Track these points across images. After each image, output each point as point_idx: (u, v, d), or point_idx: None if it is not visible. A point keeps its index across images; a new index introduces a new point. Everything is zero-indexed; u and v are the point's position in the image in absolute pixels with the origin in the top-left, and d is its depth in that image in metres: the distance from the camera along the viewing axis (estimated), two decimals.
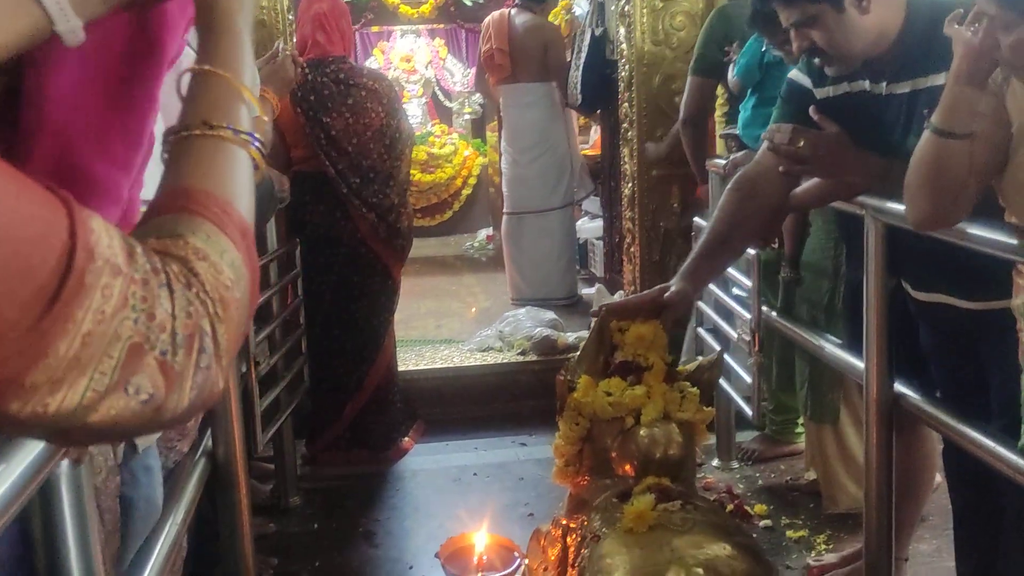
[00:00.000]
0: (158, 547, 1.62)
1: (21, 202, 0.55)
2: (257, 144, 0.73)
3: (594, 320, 1.94)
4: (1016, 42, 1.49)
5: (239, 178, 0.71)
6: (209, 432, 2.10)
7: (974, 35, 1.56)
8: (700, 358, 2.19)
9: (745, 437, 3.51)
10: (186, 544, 1.87)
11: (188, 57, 1.55)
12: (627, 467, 1.78)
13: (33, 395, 0.55)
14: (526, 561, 2.02)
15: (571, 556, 1.73)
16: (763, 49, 2.87)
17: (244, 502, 2.15)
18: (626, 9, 4.02)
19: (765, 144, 2.15)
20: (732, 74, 3.11)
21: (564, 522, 1.85)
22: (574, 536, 1.77)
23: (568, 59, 5.18)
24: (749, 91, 3.04)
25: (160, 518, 1.72)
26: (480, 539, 2.02)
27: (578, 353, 1.92)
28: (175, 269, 0.61)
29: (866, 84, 2.05)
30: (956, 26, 1.60)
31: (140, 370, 0.58)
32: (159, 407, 0.60)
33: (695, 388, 1.87)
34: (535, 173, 5.30)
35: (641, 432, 1.75)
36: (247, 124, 0.73)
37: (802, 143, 2.02)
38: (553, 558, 1.86)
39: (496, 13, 5.42)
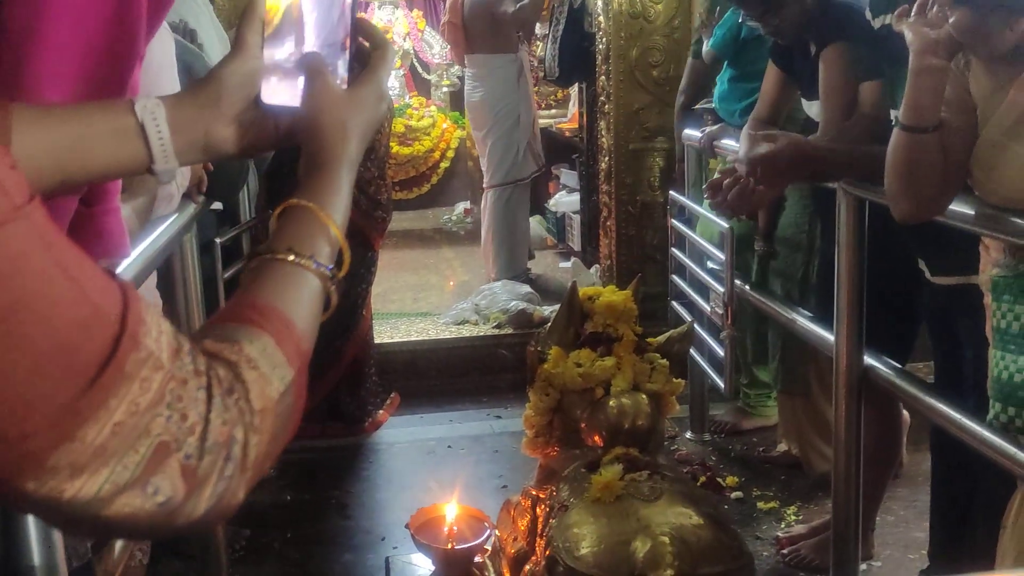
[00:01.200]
0: None
1: (80, 282, 0.55)
2: (332, 277, 0.75)
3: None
4: (957, 22, 1.50)
5: (308, 305, 0.72)
6: None
7: (924, 25, 1.56)
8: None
9: (718, 410, 3.53)
10: None
11: (169, 47, 1.53)
12: (596, 438, 1.79)
13: (52, 477, 0.54)
14: (496, 532, 2.03)
15: (540, 526, 1.74)
16: (740, 22, 2.86)
17: None
18: None
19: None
20: (707, 46, 3.09)
21: (534, 492, 1.86)
22: (543, 506, 1.78)
23: (531, 22, 5.13)
24: (725, 64, 3.03)
25: None
26: (450, 510, 2.02)
27: (549, 324, 1.92)
28: (221, 373, 0.61)
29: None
30: (908, 19, 1.60)
31: (162, 470, 0.57)
32: (174, 511, 0.58)
33: (665, 360, 1.87)
34: (485, 150, 5.20)
35: (610, 403, 1.76)
36: (328, 258, 0.75)
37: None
38: (523, 528, 1.87)
39: None
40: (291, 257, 0.72)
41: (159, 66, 1.60)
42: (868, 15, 2.19)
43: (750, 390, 3.43)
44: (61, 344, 0.53)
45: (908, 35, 1.61)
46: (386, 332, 4.28)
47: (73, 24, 0.83)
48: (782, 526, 2.81)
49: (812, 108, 2.50)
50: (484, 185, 5.25)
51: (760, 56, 2.76)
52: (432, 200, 7.91)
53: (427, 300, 5.18)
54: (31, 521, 1.00)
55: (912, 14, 1.59)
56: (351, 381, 3.60)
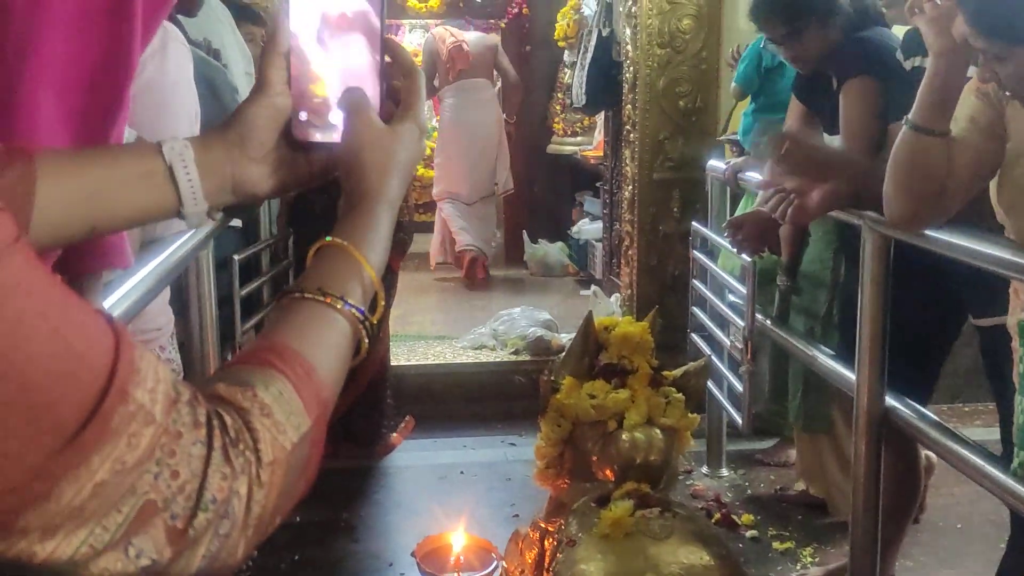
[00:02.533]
0: None
1: (62, 333, 0.50)
2: (364, 321, 0.71)
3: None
4: (1015, 72, 1.46)
5: (334, 349, 0.69)
6: None
7: (943, 36, 1.54)
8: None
9: (735, 446, 3.47)
10: None
11: (185, 64, 1.52)
12: (607, 471, 1.75)
13: (22, 539, 0.50)
14: (503, 563, 1.99)
15: (547, 560, 1.70)
16: (761, 55, 2.84)
17: None
18: (633, 10, 3.99)
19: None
20: (732, 80, 3.08)
21: (542, 525, 1.82)
22: (551, 540, 1.75)
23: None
24: (749, 97, 3.01)
25: None
26: (457, 539, 1.99)
27: (564, 354, 1.89)
28: (228, 422, 0.57)
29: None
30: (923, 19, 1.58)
31: (146, 531, 0.53)
32: (161, 572, 0.54)
33: (680, 394, 1.84)
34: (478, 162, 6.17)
35: (623, 436, 1.72)
36: (360, 299, 0.71)
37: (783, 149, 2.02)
38: (530, 561, 1.83)
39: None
40: (319, 297, 0.69)
41: (174, 83, 1.59)
42: (900, 56, 2.16)
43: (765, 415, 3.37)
44: (36, 399, 0.49)
45: (923, 26, 1.59)
46: (403, 354, 4.26)
47: (68, 38, 0.81)
48: (797, 567, 2.75)
49: (834, 142, 2.47)
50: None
51: (783, 88, 2.74)
52: None
53: (447, 324, 5.16)
54: None
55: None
56: (366, 403, 3.58)
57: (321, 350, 0.67)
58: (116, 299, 1.31)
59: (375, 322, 0.72)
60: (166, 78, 1.59)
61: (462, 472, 3.44)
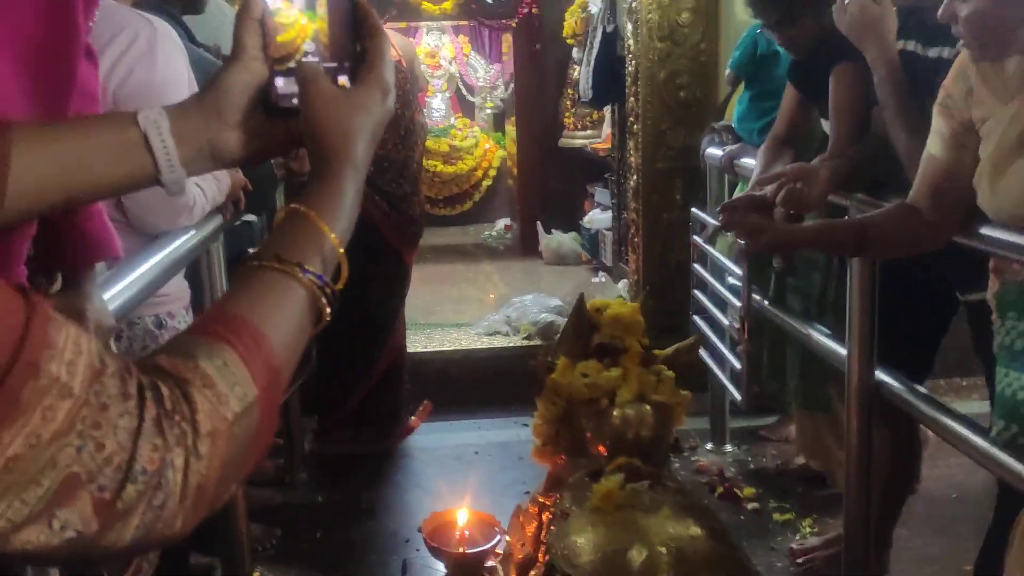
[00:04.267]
0: None
1: None
2: (324, 287, 0.68)
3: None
4: (971, 14, 1.43)
5: (289, 316, 0.65)
6: None
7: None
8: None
9: (738, 423, 3.45)
10: None
11: (177, 63, 1.50)
12: (601, 447, 1.74)
13: None
14: (507, 537, 1.99)
15: (543, 533, 1.70)
16: (756, 41, 2.80)
17: None
18: (634, 6, 3.96)
19: None
20: (727, 67, 3.05)
21: (540, 499, 1.81)
22: (548, 513, 1.74)
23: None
24: (744, 84, 2.97)
25: None
26: (462, 515, 1.99)
27: (558, 335, 1.89)
28: (164, 393, 0.55)
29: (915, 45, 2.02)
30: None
31: (70, 504, 0.51)
32: (90, 543, 0.52)
33: (671, 372, 1.82)
34: None
35: (614, 413, 1.71)
36: (320, 267, 0.68)
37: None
38: (530, 534, 1.82)
39: None
40: (275, 264, 0.66)
41: (164, 82, 1.59)
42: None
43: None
44: None
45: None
46: (420, 341, 4.27)
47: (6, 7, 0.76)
48: (797, 537, 2.73)
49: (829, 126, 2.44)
50: None
51: (777, 76, 2.70)
52: (474, 216, 7.92)
53: (468, 312, 5.16)
54: None
55: None
56: (385, 389, 3.59)
57: (275, 318, 0.64)
58: (120, 288, 1.32)
59: (337, 289, 0.69)
60: (155, 77, 1.58)
61: (476, 452, 3.44)
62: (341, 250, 0.71)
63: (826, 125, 2.50)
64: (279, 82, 0.77)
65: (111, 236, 1.08)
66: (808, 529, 2.77)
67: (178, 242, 1.67)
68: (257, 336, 0.62)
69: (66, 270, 1.17)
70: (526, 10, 6.82)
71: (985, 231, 1.63)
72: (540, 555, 1.68)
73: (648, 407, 1.73)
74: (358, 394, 3.53)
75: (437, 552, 1.97)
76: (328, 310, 0.68)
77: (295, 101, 0.76)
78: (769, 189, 2.19)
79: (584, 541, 1.50)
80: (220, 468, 0.57)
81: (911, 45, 2.04)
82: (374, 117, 0.76)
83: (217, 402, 0.57)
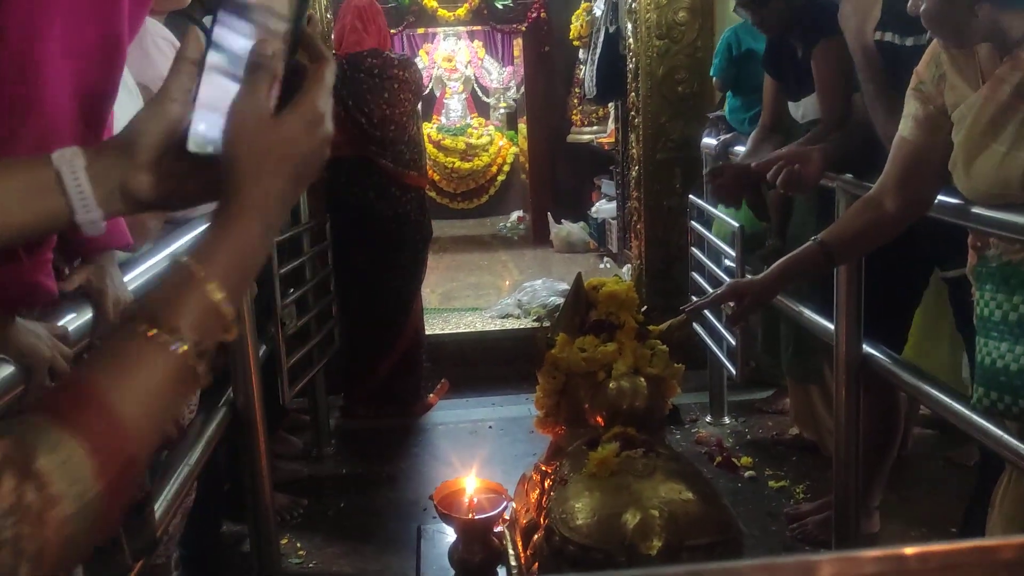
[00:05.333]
0: (167, 486, 1.58)
1: None
2: (200, 352, 0.58)
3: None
4: (924, 11, 1.40)
5: (155, 389, 0.56)
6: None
7: None
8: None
9: (736, 397, 3.40)
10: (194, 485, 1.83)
11: (158, 37, 1.47)
12: (598, 418, 1.71)
13: None
14: (513, 503, 1.96)
15: (544, 499, 1.67)
16: (730, 45, 2.77)
17: (263, 447, 2.12)
18: (634, 6, 3.90)
19: None
20: (711, 74, 3.02)
21: (542, 467, 1.79)
22: (549, 480, 1.71)
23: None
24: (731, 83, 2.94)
25: (175, 458, 1.68)
26: (470, 483, 1.96)
27: (557, 313, 1.85)
28: (2, 489, 0.48)
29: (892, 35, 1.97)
30: None
31: None
32: None
33: (665, 346, 1.79)
34: None
35: (610, 385, 1.68)
36: (197, 329, 0.58)
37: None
38: (533, 501, 1.80)
39: None
40: (144, 328, 0.57)
41: (161, 76, 1.55)
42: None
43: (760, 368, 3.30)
44: None
45: None
46: (438, 324, 4.25)
47: (66, 24, 0.77)
48: (791, 503, 2.69)
49: (798, 110, 2.39)
50: None
51: (755, 72, 2.67)
52: (489, 209, 7.89)
53: (484, 297, 5.13)
54: None
55: None
56: (405, 368, 3.58)
57: (137, 394, 0.55)
58: (134, 275, 1.30)
59: (213, 349, 0.59)
60: (150, 72, 1.55)
61: (490, 427, 3.42)
62: (229, 310, 0.60)
63: (792, 108, 2.45)
64: (200, 126, 0.66)
65: (119, 226, 1.05)
66: (801, 495, 2.72)
67: (194, 232, 1.65)
68: (113, 423, 0.54)
69: (84, 255, 1.15)
70: (535, 15, 6.77)
71: (971, 209, 1.58)
72: (542, 519, 1.65)
73: (642, 379, 1.69)
74: (380, 373, 3.52)
75: (447, 518, 1.95)
76: (202, 372, 0.59)
77: (210, 149, 0.65)
78: (770, 173, 2.15)
79: (581, 505, 1.47)
80: (49, 566, 0.51)
81: (889, 36, 1.99)
82: (300, 150, 0.63)
83: (51, 505, 0.50)
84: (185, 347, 0.57)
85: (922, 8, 1.43)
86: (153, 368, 0.56)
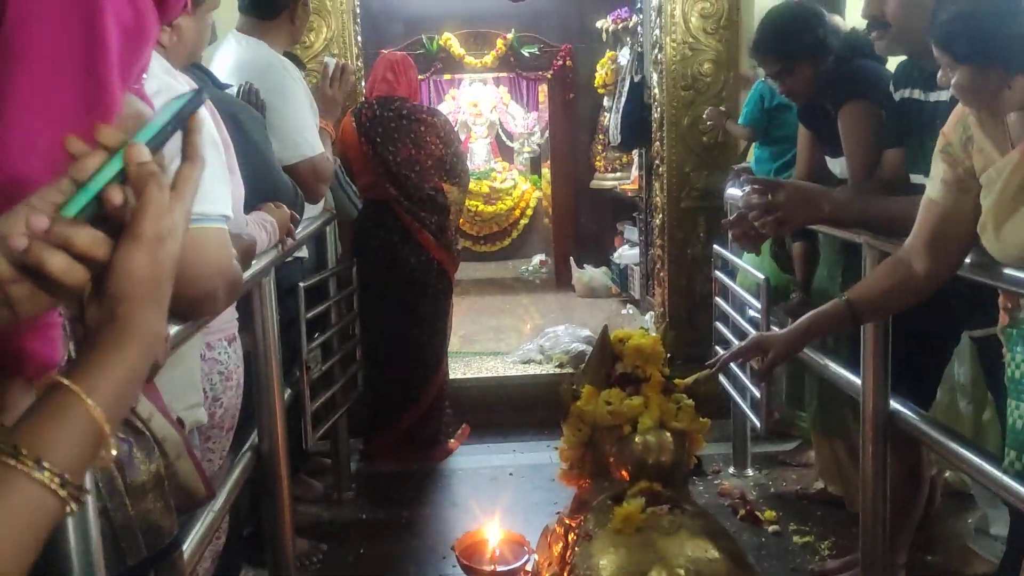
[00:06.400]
0: (195, 528, 1.59)
1: None
2: (65, 484, 0.55)
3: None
4: (955, 85, 1.42)
5: (14, 523, 0.53)
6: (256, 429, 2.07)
7: None
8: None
9: (760, 448, 3.36)
10: (225, 527, 1.84)
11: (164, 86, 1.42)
12: (623, 471, 1.70)
13: None
14: (536, 556, 1.94)
15: (568, 553, 1.66)
16: (762, 96, 2.79)
17: (286, 492, 2.12)
18: (659, 57, 3.95)
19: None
20: (739, 121, 3.03)
21: (566, 521, 1.78)
22: (573, 534, 1.70)
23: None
24: (759, 134, 2.95)
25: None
26: (493, 534, 1.95)
27: (583, 365, 1.85)
28: None
29: (917, 92, 1.98)
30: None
31: None
32: None
33: (691, 400, 1.78)
34: None
35: (636, 439, 1.67)
36: (67, 458, 0.55)
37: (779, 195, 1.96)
38: (556, 554, 1.78)
39: None
40: (8, 458, 0.54)
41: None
42: (891, 88, 2.09)
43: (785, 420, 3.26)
44: None
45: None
46: (460, 369, 4.25)
47: (46, 80, 0.71)
48: (816, 559, 2.64)
49: (836, 166, 2.39)
50: None
51: (787, 122, 2.69)
52: (512, 252, 7.92)
53: (506, 341, 5.13)
54: (70, 530, 0.96)
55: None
56: (428, 415, 3.58)
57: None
58: None
59: (81, 484, 0.56)
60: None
61: (511, 474, 3.40)
62: (107, 428, 0.57)
63: (832, 164, 2.46)
64: None
65: (55, 352, 0.99)
66: (827, 551, 2.67)
67: None
68: None
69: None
70: (560, 63, 6.86)
71: (1002, 269, 1.57)
72: (566, 574, 1.64)
73: (668, 434, 1.69)
74: (406, 421, 3.51)
75: (469, 570, 1.93)
76: (73, 505, 0.56)
77: None
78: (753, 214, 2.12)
79: (606, 562, 1.46)
80: None
81: (914, 93, 2.00)
82: (151, 275, 0.60)
83: None
84: (52, 478, 0.54)
85: (953, 80, 1.44)
86: (14, 499, 0.53)
